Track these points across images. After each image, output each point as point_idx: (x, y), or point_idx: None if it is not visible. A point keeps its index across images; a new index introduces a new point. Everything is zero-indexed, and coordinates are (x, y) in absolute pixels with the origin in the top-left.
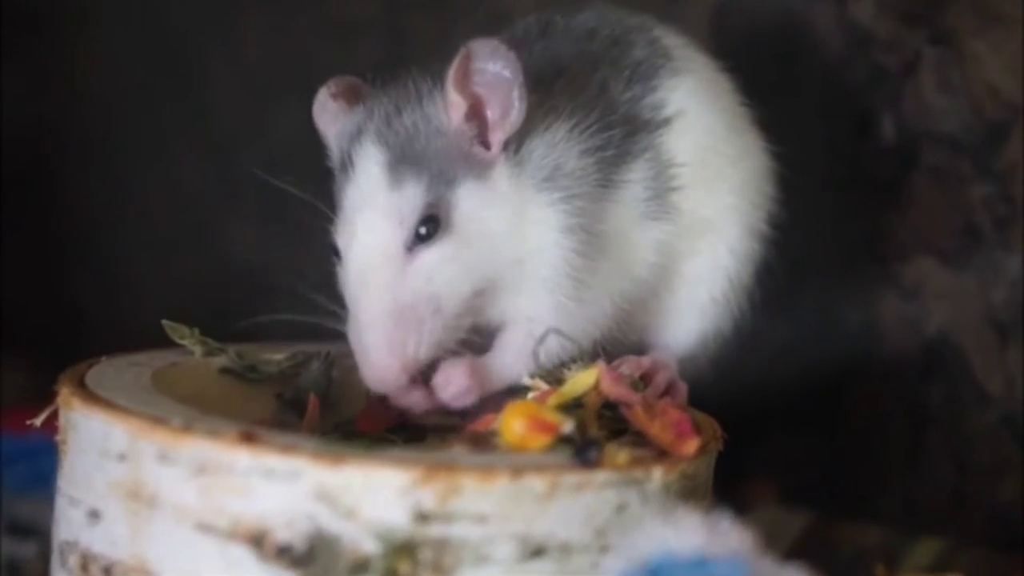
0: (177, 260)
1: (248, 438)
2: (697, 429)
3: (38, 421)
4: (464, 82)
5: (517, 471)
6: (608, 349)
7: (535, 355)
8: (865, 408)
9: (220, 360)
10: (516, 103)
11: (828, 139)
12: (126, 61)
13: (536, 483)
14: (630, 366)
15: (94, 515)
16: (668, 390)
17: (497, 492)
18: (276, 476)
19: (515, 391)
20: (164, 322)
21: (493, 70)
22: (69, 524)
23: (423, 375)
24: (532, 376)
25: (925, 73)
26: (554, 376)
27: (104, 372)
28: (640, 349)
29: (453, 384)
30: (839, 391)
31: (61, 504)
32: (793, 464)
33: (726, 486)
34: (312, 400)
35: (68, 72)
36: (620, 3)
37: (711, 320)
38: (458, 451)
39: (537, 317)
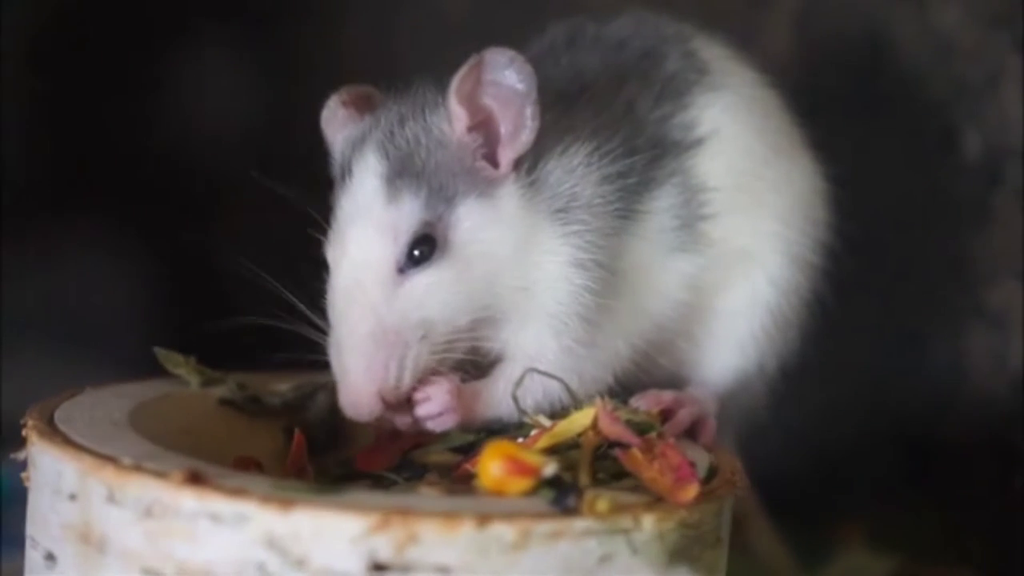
0: None
1: (194, 479)
2: (713, 472)
3: (20, 456)
4: (475, 94)
5: (483, 518)
6: (630, 384)
7: (515, 399)
8: (951, 446)
9: (219, 391)
10: (528, 121)
11: (909, 155)
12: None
13: (504, 531)
14: (648, 401)
15: (50, 558)
16: (695, 427)
17: (461, 541)
18: (223, 521)
19: (517, 428)
20: (156, 349)
21: (507, 83)
22: (31, 567)
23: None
24: (535, 413)
25: (1009, 84)
26: (560, 413)
27: (80, 404)
28: (677, 384)
29: (433, 402)
30: (926, 428)
31: (27, 545)
32: (881, 505)
33: (812, 528)
34: (297, 437)
35: None
36: (698, 10)
37: (752, 356)
38: (424, 495)
39: (540, 357)
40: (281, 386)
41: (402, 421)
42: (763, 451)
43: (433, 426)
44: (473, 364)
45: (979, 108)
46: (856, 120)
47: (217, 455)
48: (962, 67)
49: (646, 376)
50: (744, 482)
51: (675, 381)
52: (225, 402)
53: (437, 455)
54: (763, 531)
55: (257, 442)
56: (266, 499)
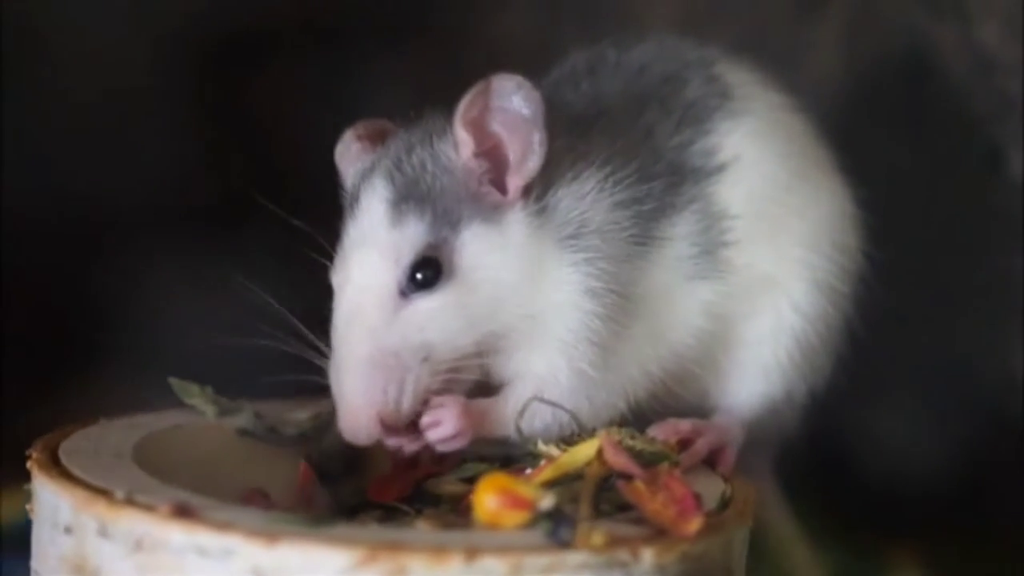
0: None
1: (181, 512)
2: (726, 503)
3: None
4: (481, 119)
5: (472, 551)
6: (650, 415)
7: (519, 429)
8: (1005, 469)
9: (236, 421)
10: (536, 147)
11: (954, 173)
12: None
13: (495, 565)
14: (665, 430)
15: None
16: (714, 456)
17: (450, 575)
18: (210, 555)
19: (528, 458)
20: (171, 380)
21: (513, 109)
22: None
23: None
24: (546, 443)
25: None
26: (568, 440)
27: (87, 436)
28: (701, 415)
29: (444, 426)
30: (978, 452)
31: None
32: (935, 530)
33: (868, 550)
34: (303, 468)
35: None
36: (746, 27)
37: (778, 383)
38: (417, 528)
39: (550, 379)
40: (299, 415)
41: (409, 447)
42: (818, 473)
43: (444, 448)
44: (480, 386)
45: None
46: (900, 138)
47: (230, 487)
48: (1005, 83)
49: (666, 408)
50: (782, 508)
51: (698, 412)
52: (243, 432)
53: (450, 485)
54: (802, 558)
55: (274, 473)
56: (252, 533)
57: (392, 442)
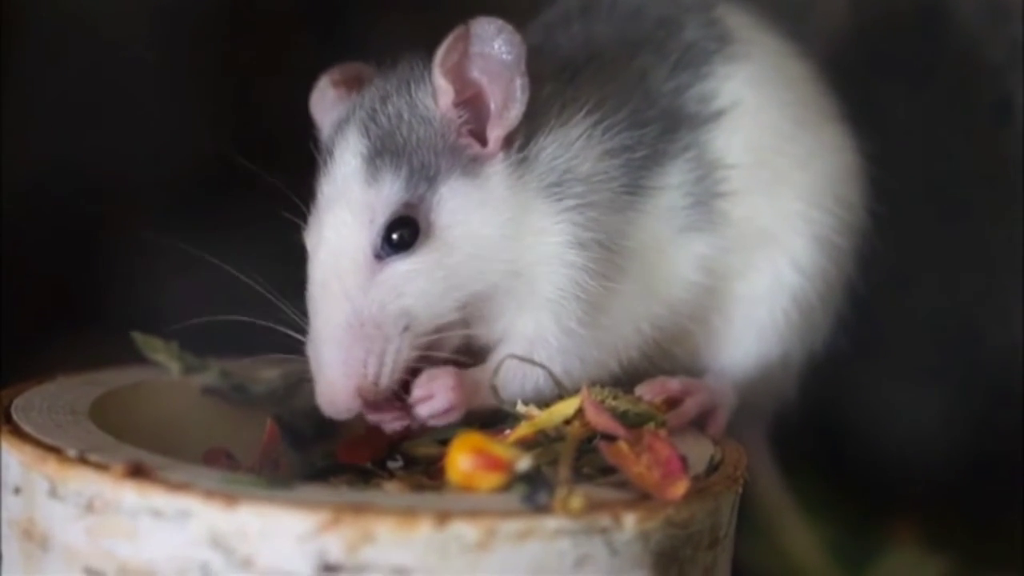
0: None
1: (136, 472)
2: (715, 466)
3: None
4: (461, 66)
5: (443, 516)
6: (642, 375)
7: (493, 389)
8: (1010, 443)
9: (202, 378)
10: (518, 95)
11: (964, 125)
12: None
13: (466, 530)
14: (653, 389)
15: None
16: (704, 417)
17: (419, 540)
18: (165, 517)
19: (509, 420)
20: (134, 334)
21: (494, 54)
22: None
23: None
24: (526, 403)
25: None
26: (551, 402)
27: (43, 392)
28: (694, 375)
29: (437, 399)
30: (984, 421)
31: None
32: (938, 504)
33: (866, 524)
34: (269, 427)
35: None
36: None
37: (774, 344)
38: (384, 490)
39: (539, 340)
40: (268, 374)
41: (391, 426)
42: (820, 444)
43: (436, 423)
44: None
45: None
46: (907, 87)
47: (194, 447)
48: (1018, 30)
49: (658, 368)
50: (774, 477)
51: (692, 373)
52: (208, 390)
53: (425, 447)
54: (795, 530)
55: (240, 433)
56: (210, 495)
57: (374, 418)
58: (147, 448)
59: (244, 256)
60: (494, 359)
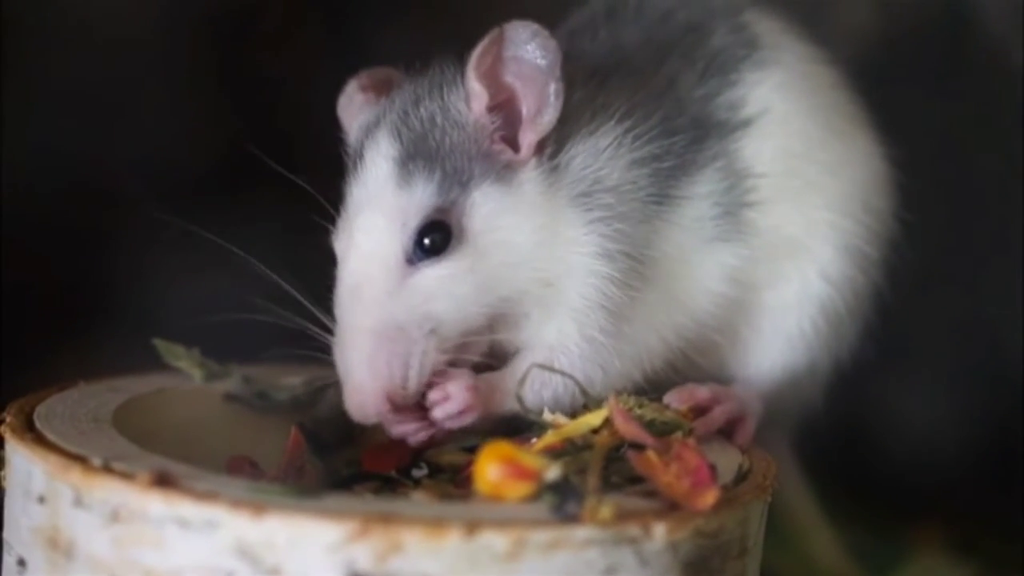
0: None
1: (162, 481)
2: (743, 475)
3: None
4: (495, 70)
5: (472, 525)
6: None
7: (519, 398)
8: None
9: (224, 385)
10: (552, 99)
11: (988, 130)
12: None
13: (496, 540)
14: (681, 396)
15: (22, 564)
16: (731, 426)
17: (448, 550)
18: (192, 527)
19: (534, 427)
20: (156, 341)
21: (528, 58)
22: (6, 573)
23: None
24: (553, 412)
25: None
26: (579, 412)
27: (65, 399)
28: (721, 383)
29: (452, 401)
30: (1008, 427)
31: (3, 550)
32: (964, 509)
33: (891, 531)
34: (293, 434)
35: None
36: None
37: (801, 353)
38: (414, 500)
39: (560, 347)
40: (291, 380)
41: (415, 438)
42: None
43: (451, 425)
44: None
45: None
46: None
47: (216, 454)
48: None
49: (685, 378)
50: (800, 485)
51: (718, 382)
52: (230, 397)
53: (450, 455)
54: (822, 537)
55: (263, 441)
56: (237, 504)
57: (399, 429)
58: (170, 455)
59: (250, 255)
60: (513, 365)
